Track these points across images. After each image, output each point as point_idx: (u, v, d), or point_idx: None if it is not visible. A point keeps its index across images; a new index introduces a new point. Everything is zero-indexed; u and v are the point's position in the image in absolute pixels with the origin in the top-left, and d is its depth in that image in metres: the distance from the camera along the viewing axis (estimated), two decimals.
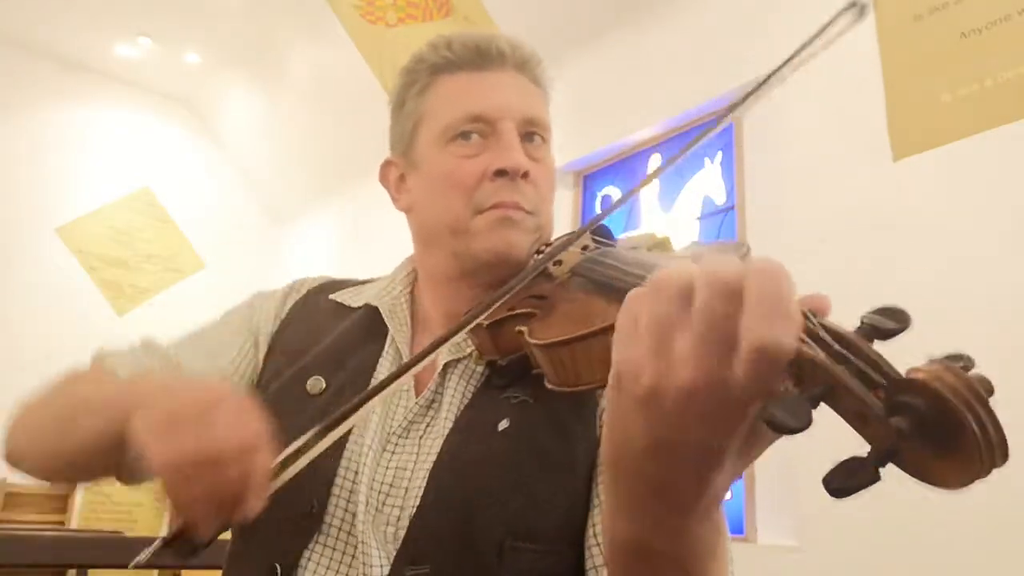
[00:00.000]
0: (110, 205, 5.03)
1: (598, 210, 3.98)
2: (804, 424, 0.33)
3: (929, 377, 0.33)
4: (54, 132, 5.79)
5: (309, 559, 0.71)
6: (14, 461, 0.78)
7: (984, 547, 2.10)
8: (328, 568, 0.70)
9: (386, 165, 0.91)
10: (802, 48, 0.69)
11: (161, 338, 0.91)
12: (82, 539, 1.97)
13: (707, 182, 3.55)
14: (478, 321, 0.74)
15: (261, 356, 0.88)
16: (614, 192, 3.98)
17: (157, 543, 0.54)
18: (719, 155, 3.50)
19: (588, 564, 0.67)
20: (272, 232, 6.71)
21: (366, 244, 5.32)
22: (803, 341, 0.36)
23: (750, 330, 0.35)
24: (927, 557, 2.20)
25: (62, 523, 4.98)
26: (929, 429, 0.32)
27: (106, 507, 5.30)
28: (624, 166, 3.92)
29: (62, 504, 5.08)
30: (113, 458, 0.67)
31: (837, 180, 2.75)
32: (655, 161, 3.81)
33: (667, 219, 3.71)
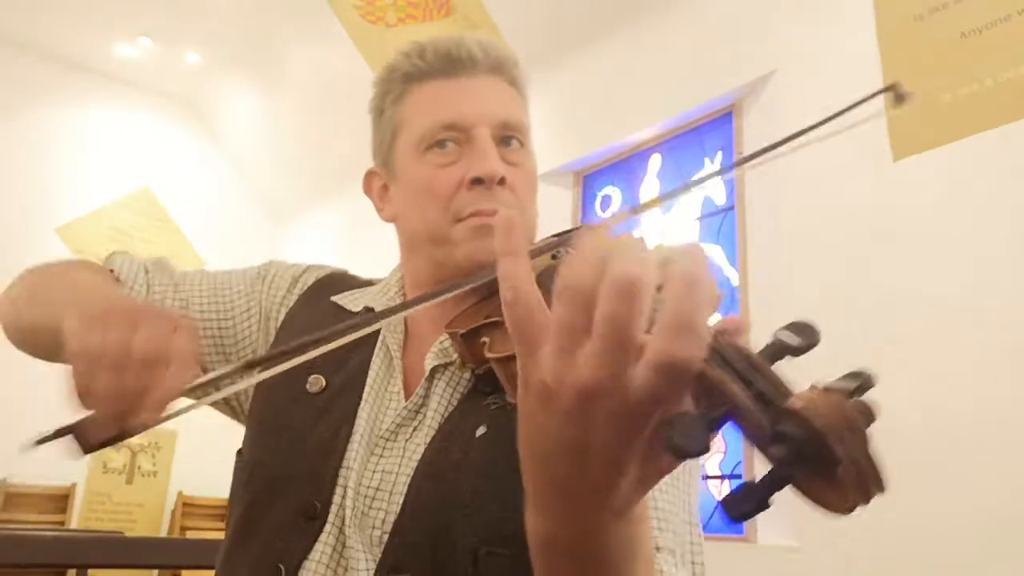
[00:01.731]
0: (110, 205, 5.02)
1: (598, 210, 3.98)
2: (699, 448, 0.33)
3: (805, 407, 0.33)
4: (54, 132, 5.79)
5: (311, 559, 0.71)
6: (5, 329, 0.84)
7: (984, 547, 2.10)
8: (327, 567, 0.70)
9: (369, 176, 0.91)
10: (828, 119, 0.69)
11: (175, 267, 0.94)
12: (82, 539, 1.97)
13: (707, 182, 3.55)
14: (456, 330, 0.74)
15: (268, 339, 0.89)
16: (614, 192, 3.98)
17: (48, 432, 0.56)
18: (719, 155, 3.50)
19: None
20: (272, 232, 6.72)
21: (366, 244, 5.32)
22: (707, 361, 0.36)
23: (653, 343, 0.35)
24: (927, 557, 2.20)
25: (62, 523, 4.98)
26: (805, 457, 0.33)
27: (106, 507, 5.30)
28: (624, 166, 3.92)
29: (62, 504, 5.08)
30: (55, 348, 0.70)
31: (837, 180, 2.75)
32: (655, 161, 3.81)
33: (667, 219, 3.71)
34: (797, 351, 0.38)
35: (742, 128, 3.35)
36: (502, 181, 0.79)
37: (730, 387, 0.35)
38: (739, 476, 2.99)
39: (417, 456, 0.72)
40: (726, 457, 3.14)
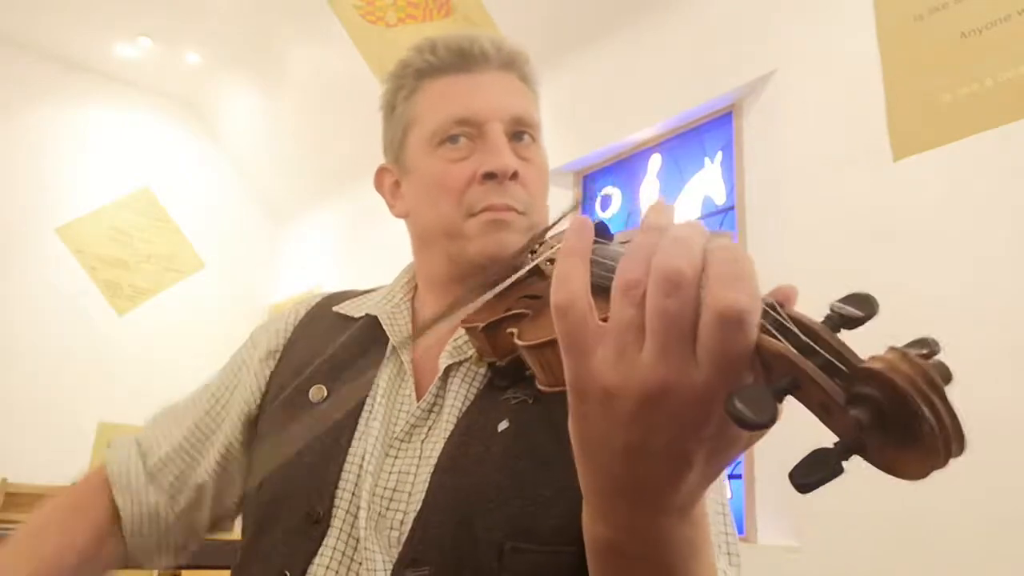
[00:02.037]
0: (110, 205, 5.03)
1: (598, 210, 3.98)
2: (768, 418, 0.33)
3: (885, 367, 0.33)
4: (54, 132, 5.79)
5: (316, 563, 0.71)
6: None
7: (984, 547, 2.10)
8: (336, 572, 0.70)
9: (380, 172, 0.91)
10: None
11: (181, 396, 0.95)
12: None
13: (707, 182, 3.55)
14: (475, 324, 0.74)
15: (266, 381, 0.88)
16: (614, 192, 3.98)
17: None
18: (719, 155, 3.50)
19: None
20: (272, 232, 6.71)
21: (366, 244, 5.32)
22: (768, 332, 0.36)
23: (707, 304, 0.35)
24: (927, 557, 2.20)
25: None
26: (887, 420, 0.32)
27: None
28: (624, 166, 3.92)
29: None
30: None
31: (837, 180, 2.75)
32: (655, 161, 3.81)
33: None
34: (857, 322, 0.37)
35: (742, 128, 3.35)
36: (514, 176, 0.80)
37: (793, 354, 0.35)
38: (739, 476, 2.99)
39: (436, 453, 0.72)
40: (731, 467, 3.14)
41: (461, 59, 0.83)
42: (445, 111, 0.81)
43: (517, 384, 0.73)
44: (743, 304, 0.35)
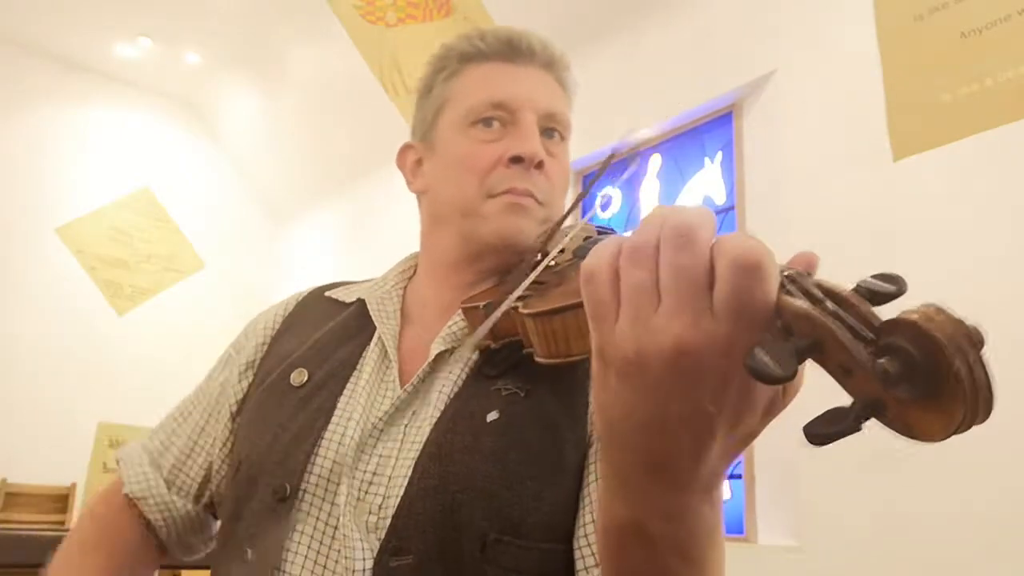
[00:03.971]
0: (110, 205, 5.02)
1: (598, 210, 3.98)
2: (788, 373, 0.32)
3: (921, 318, 0.32)
4: (54, 132, 5.79)
5: (292, 550, 0.70)
6: None
7: (984, 547, 2.10)
8: (312, 560, 0.70)
9: (404, 149, 0.92)
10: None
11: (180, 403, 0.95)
12: None
13: (707, 182, 3.55)
14: (476, 304, 0.74)
15: (253, 371, 0.89)
16: (614, 192, 3.98)
17: None
18: (719, 155, 3.51)
19: (579, 565, 0.67)
20: (272, 232, 6.72)
21: (366, 244, 5.32)
22: (791, 294, 0.36)
23: (721, 255, 0.35)
24: (927, 557, 2.20)
25: (62, 523, 4.97)
26: (916, 372, 0.31)
27: None
28: (624, 166, 3.92)
29: (62, 504, 5.08)
30: None
31: (837, 180, 2.75)
32: (655, 161, 3.81)
33: None
34: (885, 298, 0.36)
35: (742, 128, 3.35)
36: (540, 165, 0.81)
37: (815, 314, 0.34)
38: (739, 476, 2.99)
39: (420, 439, 0.72)
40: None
41: (508, 49, 0.85)
42: (484, 92, 0.82)
43: (507, 374, 0.73)
44: (760, 250, 0.35)
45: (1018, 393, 2.18)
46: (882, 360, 0.32)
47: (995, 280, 2.26)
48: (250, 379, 0.88)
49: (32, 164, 5.66)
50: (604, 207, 3.98)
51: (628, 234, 0.41)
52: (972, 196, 2.37)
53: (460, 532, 0.66)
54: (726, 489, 3.07)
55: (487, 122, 0.82)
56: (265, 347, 0.89)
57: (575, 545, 0.68)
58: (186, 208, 5.76)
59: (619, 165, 3.97)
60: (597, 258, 0.41)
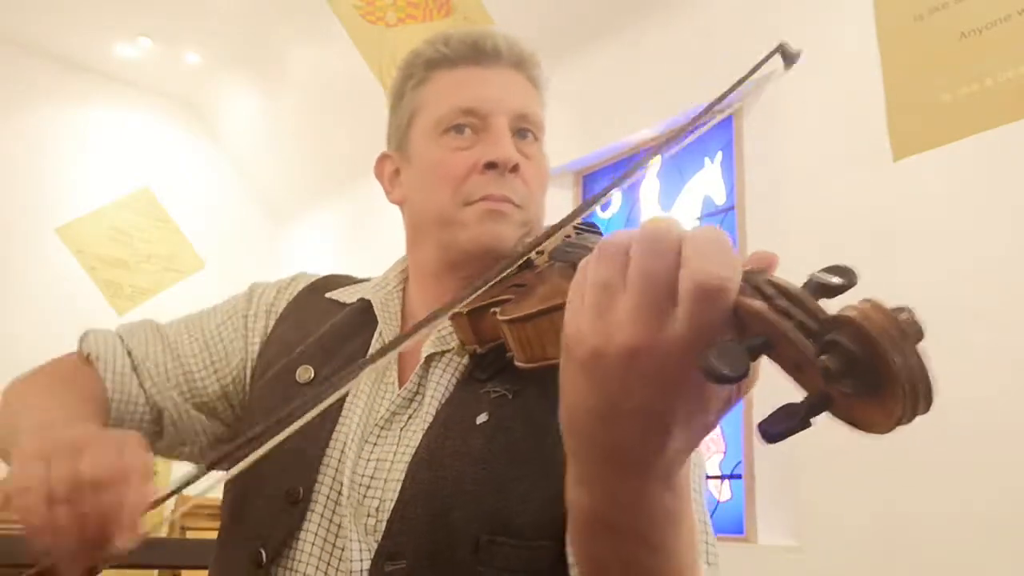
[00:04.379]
0: (110, 205, 5.02)
1: (598, 210, 3.98)
2: (739, 372, 0.33)
3: (858, 315, 0.33)
4: (54, 132, 5.79)
5: (297, 548, 0.71)
6: None
7: (984, 547, 2.10)
8: (317, 556, 0.70)
9: (381, 159, 0.92)
10: (730, 90, 0.71)
11: (159, 320, 0.93)
12: None
13: (707, 182, 3.55)
14: (458, 309, 0.75)
15: (256, 351, 0.88)
16: (613, 192, 3.97)
17: None
18: (719, 155, 3.50)
19: (570, 560, 0.68)
20: (272, 232, 6.71)
21: (366, 244, 5.32)
22: (745, 293, 0.37)
23: (686, 274, 0.36)
24: (927, 557, 2.20)
25: None
26: (856, 367, 0.32)
27: None
28: (624, 166, 3.92)
29: None
30: None
31: (837, 180, 2.75)
32: (655, 161, 3.81)
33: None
34: (836, 290, 0.37)
35: (742, 128, 3.35)
36: (515, 169, 0.80)
37: (768, 313, 0.35)
38: (739, 476, 2.99)
39: (414, 443, 0.72)
40: (726, 457, 3.14)
41: (473, 52, 0.84)
42: (452, 100, 0.82)
43: (496, 376, 0.74)
44: (723, 275, 0.36)
45: (1019, 393, 2.18)
46: (823, 357, 0.33)
47: (995, 280, 2.25)
48: (254, 360, 0.87)
49: (32, 164, 5.65)
50: (604, 207, 3.98)
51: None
52: (972, 196, 2.37)
53: (452, 535, 0.66)
54: (726, 489, 3.07)
55: (458, 129, 0.81)
56: (268, 330, 0.89)
57: (567, 541, 0.68)
58: (186, 208, 5.75)
59: (623, 168, 3.96)
60: (592, 255, 0.42)
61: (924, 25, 1.73)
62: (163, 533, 5.41)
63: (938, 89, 1.68)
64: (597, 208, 4.05)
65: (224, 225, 6.28)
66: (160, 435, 0.87)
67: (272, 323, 0.90)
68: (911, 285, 2.42)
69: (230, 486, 0.81)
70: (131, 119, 6.18)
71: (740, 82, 0.76)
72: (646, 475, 0.43)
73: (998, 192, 2.32)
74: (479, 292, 0.63)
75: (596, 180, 4.05)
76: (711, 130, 3.46)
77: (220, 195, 6.48)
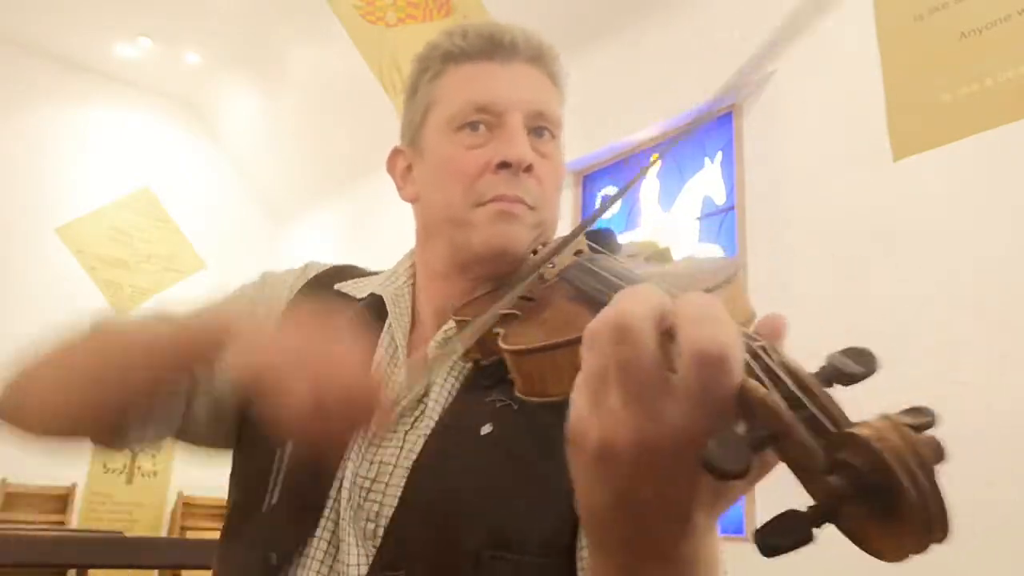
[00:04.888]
0: (110, 205, 5.01)
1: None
2: (740, 468, 0.31)
3: (873, 435, 0.30)
4: (54, 132, 5.79)
5: (307, 553, 0.69)
6: (10, 415, 0.77)
7: (985, 547, 2.10)
8: (319, 560, 0.69)
9: (394, 154, 0.89)
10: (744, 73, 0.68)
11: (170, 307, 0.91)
12: (82, 539, 1.97)
13: (707, 182, 3.55)
14: (466, 318, 0.73)
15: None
16: (613, 192, 3.97)
17: None
18: (719, 155, 3.50)
19: None
20: (272, 232, 6.71)
21: (366, 244, 5.32)
22: (755, 376, 0.34)
23: (683, 347, 0.34)
24: (927, 557, 2.20)
25: (62, 523, 4.98)
26: (867, 492, 0.30)
27: (106, 507, 5.30)
28: (624, 166, 3.92)
29: (62, 504, 5.08)
30: (162, 406, 0.71)
31: (837, 180, 2.75)
32: (655, 159, 3.81)
33: (667, 219, 3.71)
34: (853, 379, 0.34)
35: (742, 128, 3.35)
36: (529, 168, 0.77)
37: (778, 405, 0.32)
38: None
39: (417, 448, 0.71)
40: None
41: (490, 47, 0.81)
42: (467, 96, 0.79)
43: (500, 384, 0.71)
44: (722, 339, 0.33)
45: (1019, 393, 2.18)
46: (832, 477, 0.30)
47: (995, 280, 2.26)
48: None
49: (32, 164, 5.66)
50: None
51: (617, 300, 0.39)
52: (972, 196, 2.37)
53: (454, 549, 0.65)
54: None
55: (472, 126, 0.78)
56: (280, 320, 0.88)
57: (578, 559, 0.66)
58: (186, 208, 5.75)
59: (627, 169, 3.97)
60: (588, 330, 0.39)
61: (924, 25, 1.72)
62: (163, 533, 5.41)
63: (938, 89, 1.67)
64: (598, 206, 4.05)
65: (224, 225, 6.28)
66: None
67: (283, 313, 0.88)
68: (911, 285, 2.42)
69: (240, 480, 0.80)
70: (131, 119, 6.18)
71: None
72: (673, 558, 0.41)
73: (998, 192, 2.32)
74: (505, 303, 0.60)
75: (596, 180, 4.05)
76: (711, 130, 3.45)
77: (220, 195, 6.48)
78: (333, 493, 0.71)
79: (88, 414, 0.76)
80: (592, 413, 0.37)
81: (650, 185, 3.81)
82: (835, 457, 0.31)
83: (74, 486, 5.13)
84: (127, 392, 0.73)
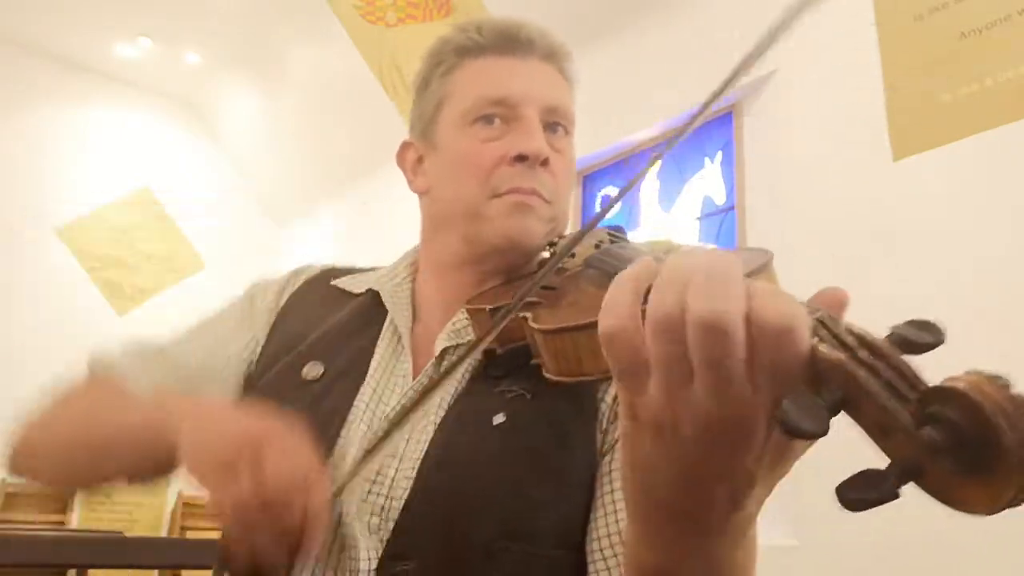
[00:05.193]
0: (110, 205, 5.01)
1: (598, 210, 3.97)
2: (818, 428, 0.31)
3: (970, 388, 0.30)
4: (54, 132, 5.79)
5: None
6: (22, 472, 0.79)
7: (984, 547, 2.10)
8: (323, 560, 0.68)
9: (404, 147, 0.89)
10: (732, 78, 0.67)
11: (158, 335, 0.90)
12: (82, 539, 1.97)
13: (707, 182, 3.55)
14: (482, 307, 0.72)
15: (259, 347, 0.86)
16: (614, 192, 3.97)
17: None
18: (719, 155, 3.50)
19: (591, 570, 0.65)
20: (272, 232, 6.71)
21: (366, 244, 5.32)
22: (823, 342, 0.34)
23: (755, 323, 0.33)
24: (927, 557, 2.20)
25: (62, 523, 4.98)
26: (963, 444, 0.30)
27: (106, 507, 5.29)
28: (624, 166, 3.92)
29: (62, 504, 5.08)
30: (149, 476, 0.71)
31: (837, 180, 2.75)
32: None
33: (667, 219, 3.71)
34: (922, 348, 0.35)
35: (742, 128, 3.35)
36: (545, 162, 0.78)
37: (851, 366, 0.32)
38: None
39: (425, 439, 0.70)
40: None
41: (505, 42, 0.82)
42: (483, 90, 0.79)
43: (511, 375, 0.71)
44: (785, 310, 0.33)
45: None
46: (926, 428, 0.30)
47: (995, 280, 2.25)
48: (256, 359, 0.85)
49: (32, 164, 5.65)
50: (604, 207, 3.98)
51: (640, 268, 0.38)
52: (972, 196, 2.37)
53: (465, 539, 0.64)
54: None
55: (488, 119, 0.79)
56: (270, 326, 0.86)
57: (588, 551, 0.66)
58: (186, 208, 5.75)
59: (627, 169, 3.97)
60: (616, 317, 0.38)
61: (924, 25, 1.72)
62: (163, 533, 5.41)
63: (938, 89, 1.67)
64: (597, 208, 4.04)
65: (224, 225, 6.28)
66: None
67: (273, 320, 0.87)
68: (911, 285, 2.42)
69: None
70: (131, 119, 6.18)
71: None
72: (723, 532, 0.41)
73: (998, 192, 2.32)
74: (528, 295, 0.60)
75: (596, 180, 4.05)
76: (711, 130, 3.45)
77: (220, 195, 6.48)
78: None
79: (87, 476, 0.78)
80: (667, 398, 0.37)
81: (650, 185, 3.81)
82: (927, 411, 0.31)
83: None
84: (115, 463, 0.74)
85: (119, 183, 5.57)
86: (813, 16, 0.78)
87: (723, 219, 3.41)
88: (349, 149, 5.31)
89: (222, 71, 5.92)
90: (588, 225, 0.66)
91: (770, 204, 3.07)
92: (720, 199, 3.45)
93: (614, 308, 0.38)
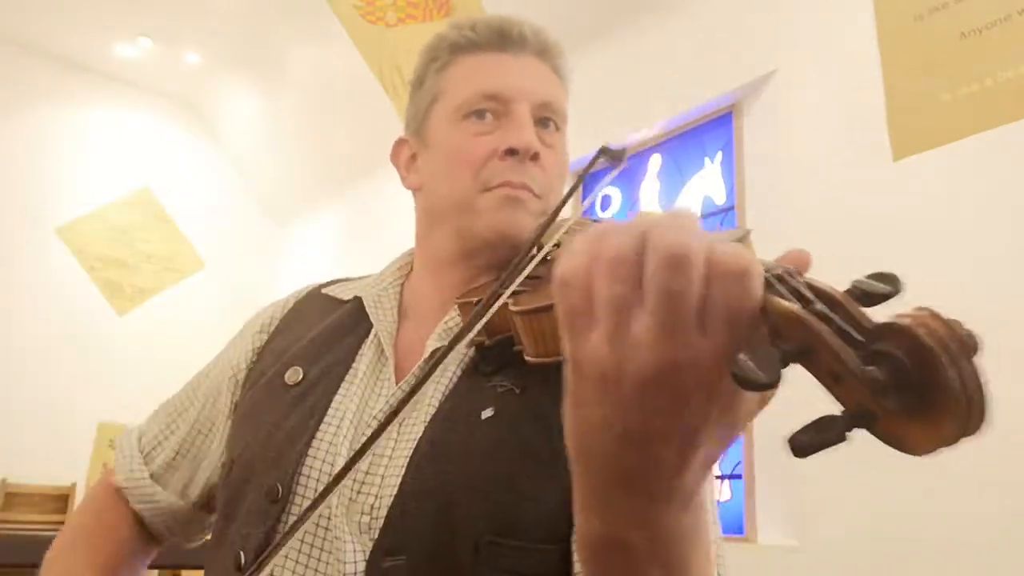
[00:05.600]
0: (110, 205, 5.01)
1: (598, 210, 3.98)
2: (772, 379, 0.31)
3: (913, 323, 0.30)
4: (54, 132, 5.80)
5: (282, 554, 0.68)
6: None
7: (984, 547, 2.10)
8: (300, 560, 0.68)
9: (399, 144, 0.89)
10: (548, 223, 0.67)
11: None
12: None
13: (707, 182, 3.55)
14: (470, 300, 0.73)
15: (242, 376, 0.87)
16: (613, 192, 3.98)
17: None
18: (719, 155, 3.50)
19: (576, 568, 0.66)
20: (272, 232, 6.72)
21: (366, 244, 5.32)
22: (780, 295, 0.34)
23: (707, 269, 0.34)
24: (927, 557, 2.20)
25: (62, 523, 4.97)
26: (906, 381, 0.29)
27: None
28: (618, 164, 3.92)
29: (62, 504, 5.08)
30: None
31: (837, 180, 2.75)
32: (655, 161, 3.81)
33: None
34: (880, 298, 0.34)
35: (742, 128, 3.35)
36: (535, 157, 0.78)
37: (804, 316, 0.32)
38: (739, 476, 2.99)
39: (415, 436, 0.70)
40: (726, 457, 3.14)
41: (500, 38, 0.82)
42: (475, 85, 0.80)
43: (503, 370, 0.72)
44: (741, 257, 0.33)
45: (1019, 393, 2.18)
46: (871, 368, 0.30)
47: (995, 280, 2.26)
48: (241, 384, 0.86)
49: (32, 164, 5.66)
50: (604, 207, 3.98)
51: (603, 230, 0.37)
52: (972, 196, 2.37)
53: (454, 533, 0.64)
54: (726, 489, 3.07)
55: (480, 114, 0.79)
56: (258, 352, 0.88)
57: (573, 544, 0.66)
58: (186, 208, 5.75)
59: (627, 169, 3.97)
60: (571, 263, 0.37)
61: (924, 25, 1.72)
62: None
63: (938, 89, 1.67)
64: (597, 208, 4.04)
65: (224, 225, 6.29)
66: None
67: (265, 339, 0.88)
68: (911, 285, 2.41)
69: (221, 486, 0.80)
70: (131, 119, 6.18)
71: (578, 182, 0.72)
72: (670, 497, 0.41)
73: (998, 192, 2.32)
74: (511, 289, 0.60)
75: (596, 180, 4.05)
76: (711, 130, 3.46)
77: (220, 195, 6.48)
78: (303, 482, 0.71)
79: None
80: (611, 342, 0.36)
81: (650, 185, 3.81)
82: (872, 349, 0.30)
83: (74, 486, 5.12)
84: None
85: (119, 183, 5.57)
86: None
87: (723, 219, 3.41)
88: (349, 149, 5.31)
89: (222, 71, 5.92)
90: (551, 215, 0.67)
91: (770, 204, 3.07)
92: (720, 199, 3.45)
93: (572, 253, 0.37)
